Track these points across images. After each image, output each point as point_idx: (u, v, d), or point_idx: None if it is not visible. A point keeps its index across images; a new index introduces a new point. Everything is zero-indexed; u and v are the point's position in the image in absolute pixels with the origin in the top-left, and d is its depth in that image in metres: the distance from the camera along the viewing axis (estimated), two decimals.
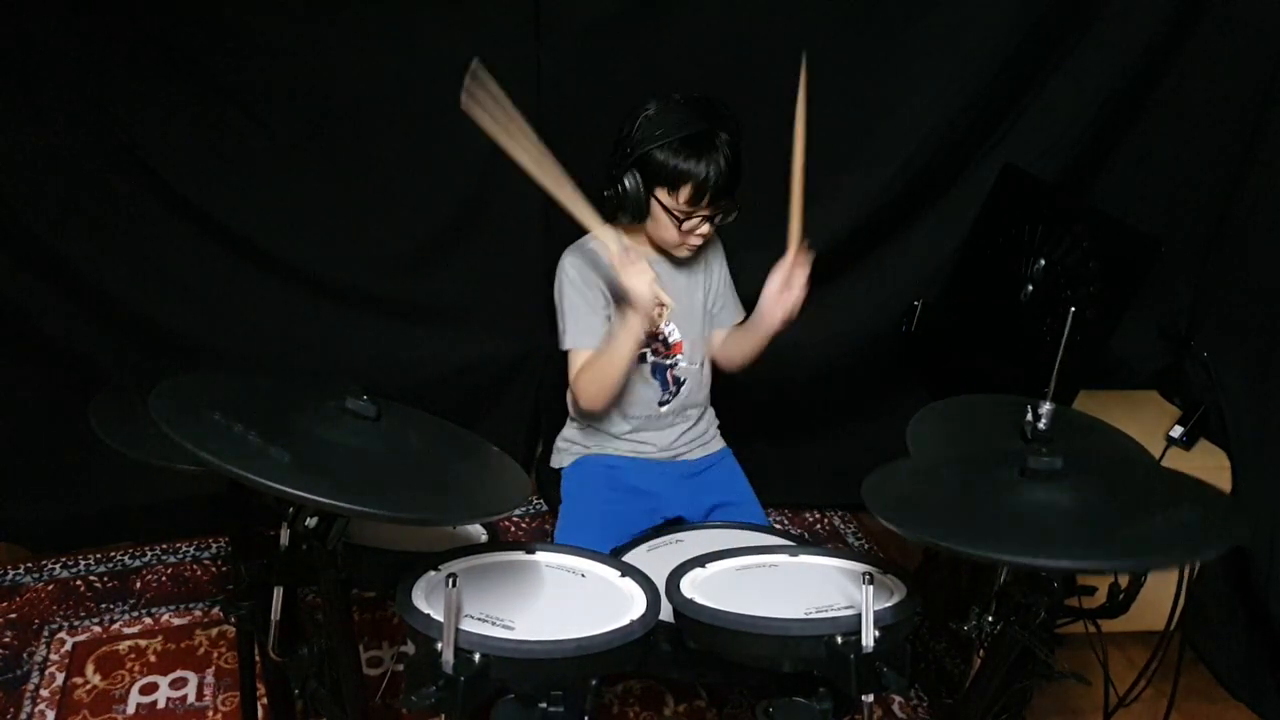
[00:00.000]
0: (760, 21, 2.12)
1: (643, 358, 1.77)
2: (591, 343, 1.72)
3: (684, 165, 1.60)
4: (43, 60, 1.96)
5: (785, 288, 1.66)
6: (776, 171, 2.22)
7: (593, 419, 1.83)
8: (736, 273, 1.90)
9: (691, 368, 1.82)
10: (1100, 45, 2.18)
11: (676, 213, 1.64)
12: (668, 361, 1.80)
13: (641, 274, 1.57)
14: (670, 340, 1.80)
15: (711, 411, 1.93)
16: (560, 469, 1.88)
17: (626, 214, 1.67)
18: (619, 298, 1.68)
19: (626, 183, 1.63)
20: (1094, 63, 2.19)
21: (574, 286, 1.73)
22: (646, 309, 1.60)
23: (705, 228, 1.68)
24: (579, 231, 1.76)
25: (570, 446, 1.88)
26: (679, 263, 1.78)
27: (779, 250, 1.63)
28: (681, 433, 1.85)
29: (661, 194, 1.64)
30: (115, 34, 1.95)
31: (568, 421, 1.90)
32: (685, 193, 1.62)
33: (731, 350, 1.86)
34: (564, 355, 1.76)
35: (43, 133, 2.01)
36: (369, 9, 2.02)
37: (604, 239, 1.59)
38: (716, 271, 1.86)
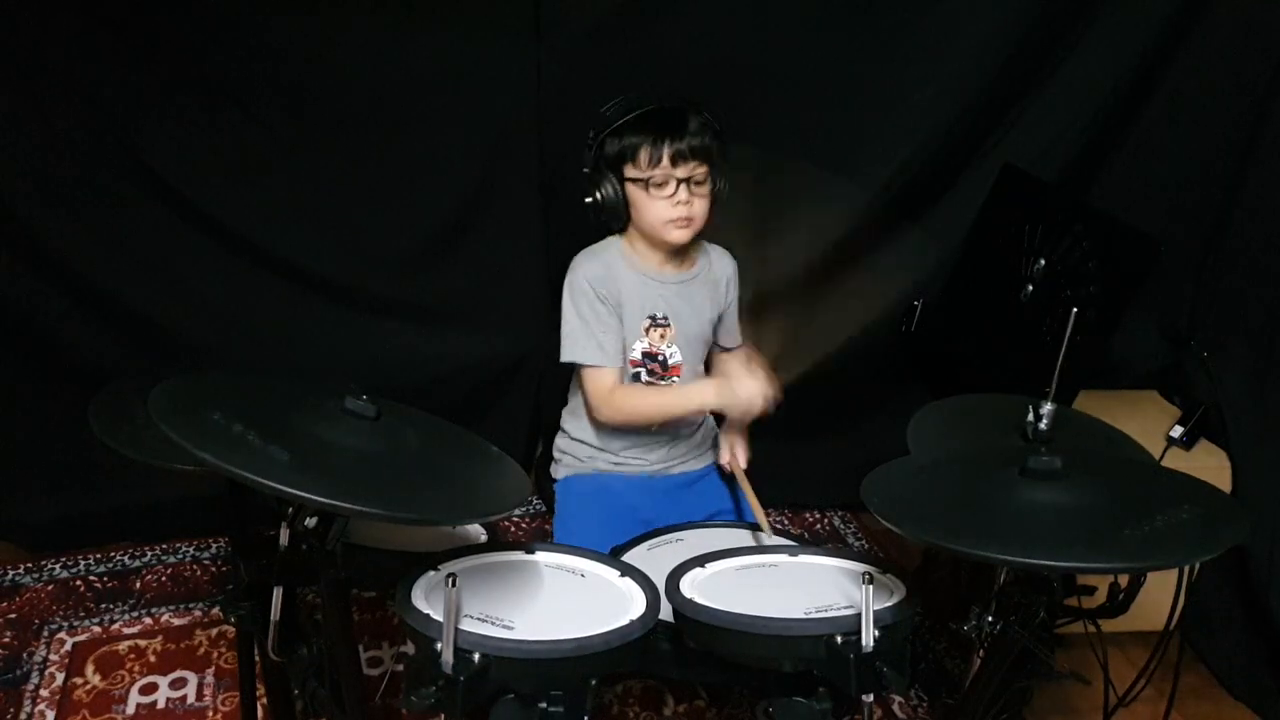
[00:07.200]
0: (761, 21, 2.12)
1: (636, 377, 1.75)
2: (602, 359, 1.68)
3: (637, 126, 1.59)
4: (44, 61, 1.96)
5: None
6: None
7: (585, 433, 1.81)
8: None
9: None
10: (1100, 45, 2.18)
11: (647, 180, 1.60)
12: (663, 383, 1.76)
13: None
14: (670, 363, 1.75)
15: (710, 423, 1.88)
16: (555, 480, 1.87)
17: (616, 219, 1.65)
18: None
19: (597, 180, 1.63)
20: (1094, 62, 2.19)
21: (584, 299, 1.67)
22: (744, 411, 1.65)
23: (684, 194, 1.61)
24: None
25: (563, 458, 1.85)
26: (693, 284, 1.75)
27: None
28: (672, 448, 1.83)
29: (628, 170, 1.62)
30: (116, 35, 1.96)
31: (559, 431, 1.87)
32: (644, 154, 1.59)
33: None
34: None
35: (43, 133, 2.01)
36: (369, 9, 2.03)
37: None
38: (727, 294, 1.82)
